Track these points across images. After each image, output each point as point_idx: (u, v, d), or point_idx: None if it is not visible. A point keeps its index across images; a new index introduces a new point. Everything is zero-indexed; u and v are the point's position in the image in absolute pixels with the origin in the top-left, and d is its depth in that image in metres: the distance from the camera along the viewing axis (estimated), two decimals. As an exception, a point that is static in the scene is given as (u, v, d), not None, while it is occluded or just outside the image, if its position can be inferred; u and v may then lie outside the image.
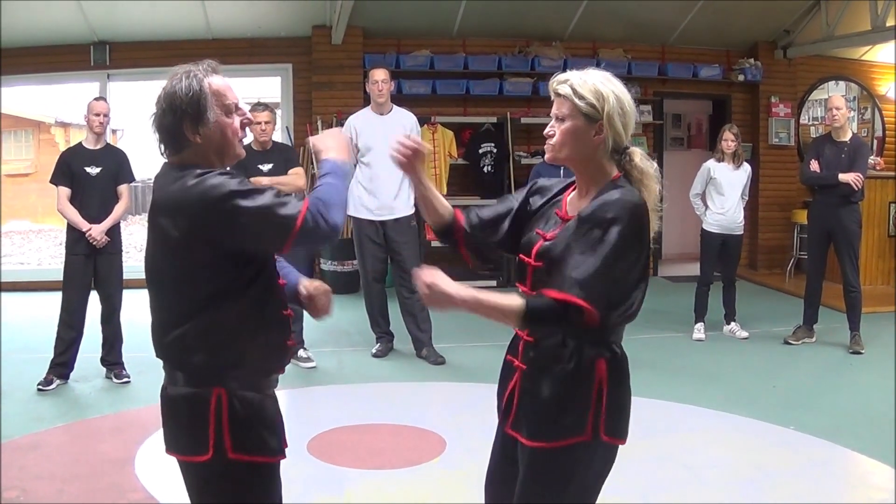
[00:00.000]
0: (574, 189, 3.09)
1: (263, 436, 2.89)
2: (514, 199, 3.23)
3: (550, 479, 2.96)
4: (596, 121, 2.91)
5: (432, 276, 2.80)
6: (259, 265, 2.88)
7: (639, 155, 3.00)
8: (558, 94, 2.98)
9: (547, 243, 2.97)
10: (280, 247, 2.80)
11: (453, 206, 3.30)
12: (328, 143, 3.02)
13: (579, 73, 2.99)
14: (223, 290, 2.81)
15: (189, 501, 2.98)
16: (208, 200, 2.72)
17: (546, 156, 3.08)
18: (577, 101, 2.92)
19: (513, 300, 2.81)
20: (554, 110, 3.00)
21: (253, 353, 2.88)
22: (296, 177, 7.77)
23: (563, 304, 2.75)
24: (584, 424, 2.91)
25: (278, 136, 7.95)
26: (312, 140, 3.10)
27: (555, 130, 2.99)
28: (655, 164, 3.06)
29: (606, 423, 2.93)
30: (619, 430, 2.99)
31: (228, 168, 2.95)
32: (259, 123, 7.68)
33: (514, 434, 3.07)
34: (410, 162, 3.16)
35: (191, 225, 2.76)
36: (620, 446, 3.04)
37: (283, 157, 7.92)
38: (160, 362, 2.95)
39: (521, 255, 3.08)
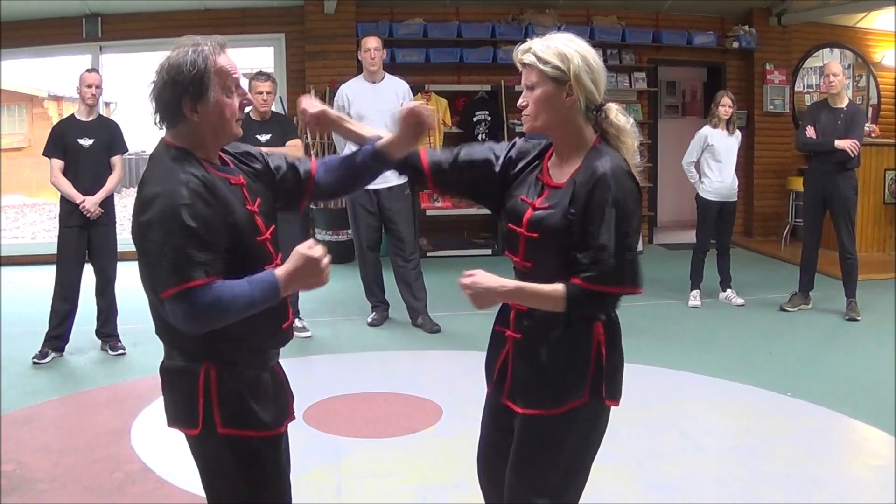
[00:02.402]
0: (553, 152, 3.08)
1: (254, 410, 2.85)
2: (493, 154, 3.17)
3: (547, 443, 2.97)
4: (564, 83, 2.90)
5: (471, 278, 2.86)
6: (243, 249, 2.78)
7: (614, 110, 2.99)
8: (524, 64, 2.97)
9: (539, 212, 2.96)
10: (157, 293, 2.67)
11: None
12: (294, 274, 2.72)
13: (541, 39, 2.98)
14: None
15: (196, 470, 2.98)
16: (153, 203, 2.64)
17: (524, 127, 3.07)
18: (542, 66, 2.91)
19: (555, 288, 2.84)
20: (523, 80, 3.00)
21: (243, 336, 2.82)
22: (293, 149, 7.72)
23: (612, 295, 2.87)
24: (582, 388, 2.93)
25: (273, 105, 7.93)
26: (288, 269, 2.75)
27: (527, 101, 2.98)
28: (632, 119, 3.05)
29: (604, 385, 2.95)
30: (615, 392, 3.02)
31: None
32: (261, 93, 7.65)
33: (509, 404, 3.06)
34: (319, 122, 3.16)
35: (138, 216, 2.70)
36: (614, 409, 3.06)
37: (282, 129, 7.87)
38: (155, 334, 2.93)
39: (511, 225, 3.06)
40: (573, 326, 2.92)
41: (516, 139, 3.23)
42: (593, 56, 2.95)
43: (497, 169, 3.14)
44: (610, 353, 2.96)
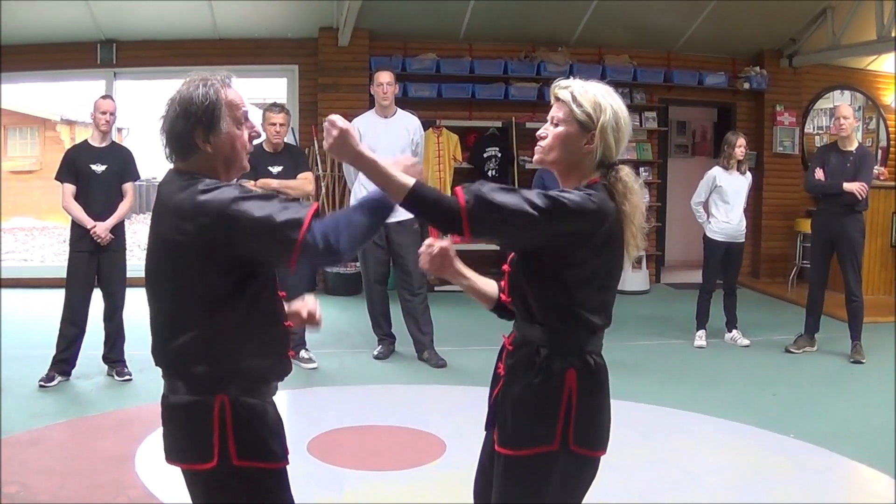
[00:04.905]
0: None
1: (267, 441, 2.86)
2: None
3: (519, 486, 2.96)
4: (589, 130, 2.94)
5: (346, 125, 2.88)
6: (260, 277, 2.83)
7: (626, 170, 3.00)
8: (558, 98, 3.01)
9: None
10: (285, 260, 2.71)
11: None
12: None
13: (583, 81, 3.02)
14: (222, 301, 2.77)
15: None
16: (215, 207, 2.68)
17: (534, 157, 3.10)
18: (574, 107, 2.95)
19: (407, 179, 2.80)
20: (551, 113, 3.03)
21: (253, 364, 2.84)
22: (304, 182, 7.77)
23: (451, 213, 2.77)
24: (552, 434, 2.90)
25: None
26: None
27: (548, 133, 3.01)
28: (641, 181, 3.08)
29: (576, 433, 2.91)
30: (591, 441, 2.97)
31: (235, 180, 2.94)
32: (274, 124, 7.69)
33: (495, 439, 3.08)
34: (439, 262, 3.14)
35: (195, 232, 2.70)
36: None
37: (293, 161, 7.91)
38: (155, 365, 2.94)
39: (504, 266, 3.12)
40: (545, 372, 2.91)
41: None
42: (625, 116, 2.99)
43: None
44: (584, 401, 2.93)
